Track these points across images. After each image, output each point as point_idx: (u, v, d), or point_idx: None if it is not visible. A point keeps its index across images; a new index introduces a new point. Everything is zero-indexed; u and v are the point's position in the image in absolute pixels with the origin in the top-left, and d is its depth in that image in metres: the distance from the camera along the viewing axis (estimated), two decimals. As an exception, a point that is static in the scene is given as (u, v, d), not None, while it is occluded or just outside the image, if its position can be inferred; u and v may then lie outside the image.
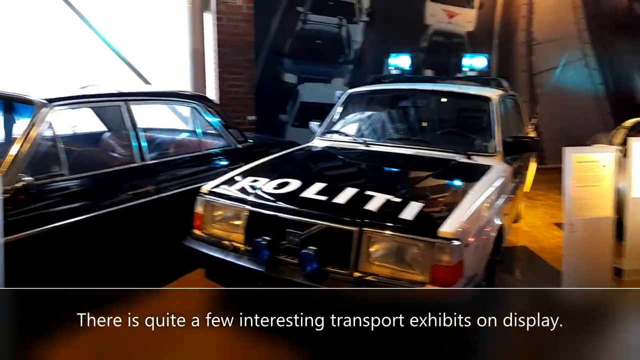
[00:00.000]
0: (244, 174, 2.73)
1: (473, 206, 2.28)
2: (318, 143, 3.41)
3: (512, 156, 3.09)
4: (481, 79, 4.02)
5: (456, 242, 2.00)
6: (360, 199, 2.29)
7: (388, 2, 6.53)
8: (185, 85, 5.46)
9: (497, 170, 2.80)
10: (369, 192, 2.33)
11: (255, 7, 5.62)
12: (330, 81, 6.29)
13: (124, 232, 2.78)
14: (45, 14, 4.69)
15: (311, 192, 2.38)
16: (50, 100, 2.54)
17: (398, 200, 2.27)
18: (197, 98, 3.65)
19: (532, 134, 4.37)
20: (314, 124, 3.67)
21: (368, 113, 3.69)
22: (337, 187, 2.41)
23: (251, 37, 5.67)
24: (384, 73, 4.65)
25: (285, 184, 2.49)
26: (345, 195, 2.33)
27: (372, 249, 2.13)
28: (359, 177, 2.95)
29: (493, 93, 3.41)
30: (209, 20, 5.54)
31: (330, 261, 2.15)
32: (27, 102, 2.55)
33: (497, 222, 2.56)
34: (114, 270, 2.71)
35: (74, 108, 2.73)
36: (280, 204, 2.35)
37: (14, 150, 2.35)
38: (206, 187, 2.61)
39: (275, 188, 2.47)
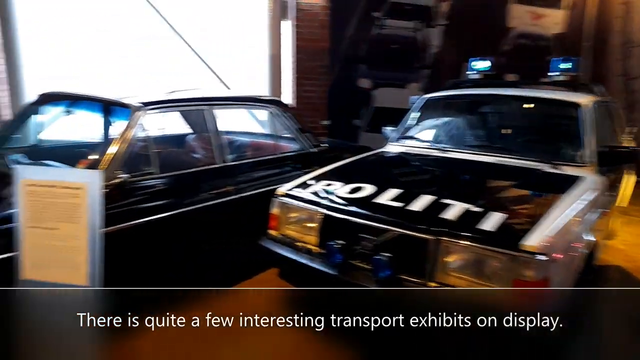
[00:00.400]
0: (319, 178, 2.76)
1: (561, 219, 2.12)
2: (392, 148, 3.37)
3: (607, 167, 2.86)
4: (570, 84, 3.75)
5: (541, 257, 1.88)
6: (437, 207, 2.22)
7: (468, 4, 6.32)
8: (262, 89, 5.66)
9: (589, 182, 2.60)
10: (446, 200, 2.26)
11: (331, 14, 5.70)
12: (406, 86, 6.20)
13: (204, 230, 2.91)
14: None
15: (386, 198, 2.36)
16: (145, 105, 2.75)
17: (477, 209, 2.17)
18: (274, 102, 3.76)
19: (630, 144, 4.00)
20: (387, 129, 3.62)
21: (445, 119, 3.58)
22: (412, 193, 2.37)
23: (327, 43, 5.74)
24: (462, 77, 4.49)
25: (359, 188, 2.48)
26: (421, 203, 2.27)
27: (449, 260, 2.05)
28: (436, 184, 2.86)
29: (583, 99, 3.17)
30: (286, 28, 5.70)
31: (405, 269, 2.11)
32: (123, 106, 2.77)
33: (588, 238, 2.37)
34: (193, 267, 2.85)
35: (164, 112, 2.92)
36: (354, 209, 2.34)
37: (112, 149, 2.56)
38: (282, 189, 2.68)
39: (349, 192, 2.48)
